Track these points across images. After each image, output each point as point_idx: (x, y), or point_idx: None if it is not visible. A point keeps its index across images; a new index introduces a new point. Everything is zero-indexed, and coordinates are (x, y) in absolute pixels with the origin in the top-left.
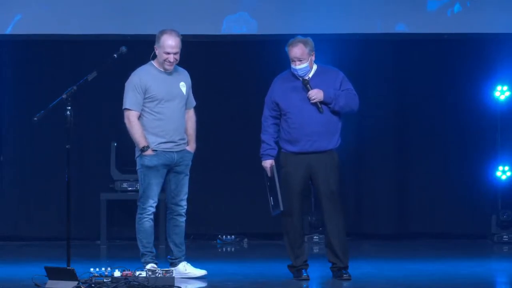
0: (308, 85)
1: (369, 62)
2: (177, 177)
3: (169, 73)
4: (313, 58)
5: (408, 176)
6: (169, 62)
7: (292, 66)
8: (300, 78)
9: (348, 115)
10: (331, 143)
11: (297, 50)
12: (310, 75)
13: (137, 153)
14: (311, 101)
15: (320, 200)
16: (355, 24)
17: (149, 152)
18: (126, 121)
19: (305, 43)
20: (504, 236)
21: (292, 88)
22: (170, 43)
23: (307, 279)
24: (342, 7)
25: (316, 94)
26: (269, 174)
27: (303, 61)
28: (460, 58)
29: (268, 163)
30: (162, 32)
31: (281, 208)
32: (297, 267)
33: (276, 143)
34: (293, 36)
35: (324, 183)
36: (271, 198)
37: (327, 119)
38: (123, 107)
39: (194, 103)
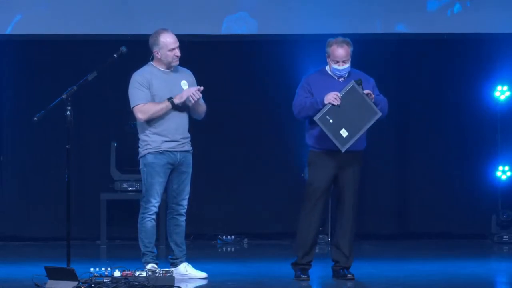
0: (361, 85)
1: (369, 62)
2: (180, 177)
3: (170, 72)
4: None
5: (408, 176)
6: (177, 56)
7: (335, 66)
8: (337, 78)
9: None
10: (362, 144)
11: (343, 52)
12: (345, 77)
13: (140, 153)
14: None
15: (340, 200)
16: (355, 24)
17: (176, 99)
18: (139, 116)
19: (348, 44)
20: (504, 236)
21: (330, 85)
22: (171, 40)
23: (307, 279)
24: (342, 7)
25: (371, 93)
26: (336, 103)
27: (346, 62)
28: (460, 58)
29: (329, 95)
30: (158, 33)
31: (379, 113)
32: (300, 265)
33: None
34: (292, 36)
35: (348, 183)
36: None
37: None
38: (131, 107)
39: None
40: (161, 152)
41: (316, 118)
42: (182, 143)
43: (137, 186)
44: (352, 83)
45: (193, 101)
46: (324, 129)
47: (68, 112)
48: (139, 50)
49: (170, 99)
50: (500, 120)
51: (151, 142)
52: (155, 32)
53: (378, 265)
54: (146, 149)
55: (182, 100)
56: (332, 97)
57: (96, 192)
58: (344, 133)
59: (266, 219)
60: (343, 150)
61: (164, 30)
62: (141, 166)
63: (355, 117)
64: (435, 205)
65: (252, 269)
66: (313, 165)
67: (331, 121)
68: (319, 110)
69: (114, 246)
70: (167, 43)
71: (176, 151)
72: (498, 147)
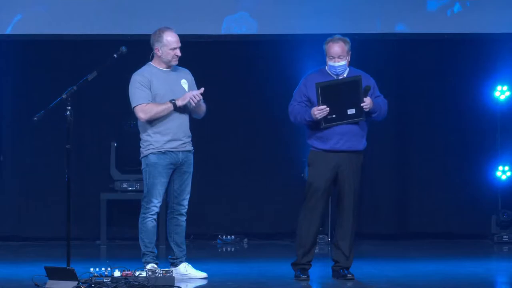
0: (367, 92)
1: (369, 62)
2: (182, 177)
3: (169, 71)
4: (349, 58)
5: (408, 176)
6: (177, 56)
7: (330, 63)
8: (335, 76)
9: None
10: (361, 144)
11: (337, 48)
12: (344, 76)
13: (142, 154)
14: (364, 109)
15: (340, 199)
16: (355, 24)
17: (179, 101)
18: (141, 115)
19: (344, 41)
20: (504, 236)
21: None
22: (174, 39)
23: (307, 279)
24: (342, 7)
25: (370, 104)
26: (318, 116)
27: (342, 59)
28: (460, 58)
29: (314, 111)
30: (162, 31)
31: (359, 76)
32: (300, 265)
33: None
34: (292, 36)
35: (349, 183)
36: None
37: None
38: (132, 107)
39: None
40: (164, 153)
41: (322, 127)
42: (185, 143)
43: (137, 186)
44: (316, 86)
45: (194, 104)
46: (336, 124)
47: (68, 112)
48: (139, 50)
49: (172, 101)
50: (500, 120)
51: (153, 142)
52: (159, 29)
53: (378, 265)
54: (148, 149)
55: (185, 102)
56: (318, 114)
57: (96, 192)
58: (351, 111)
59: (266, 219)
60: (365, 119)
61: (168, 28)
62: (143, 166)
63: (347, 96)
64: (435, 205)
65: (252, 269)
66: (313, 165)
67: (334, 116)
68: (310, 124)
69: (114, 246)
70: (170, 41)
71: (179, 151)
72: (498, 147)
